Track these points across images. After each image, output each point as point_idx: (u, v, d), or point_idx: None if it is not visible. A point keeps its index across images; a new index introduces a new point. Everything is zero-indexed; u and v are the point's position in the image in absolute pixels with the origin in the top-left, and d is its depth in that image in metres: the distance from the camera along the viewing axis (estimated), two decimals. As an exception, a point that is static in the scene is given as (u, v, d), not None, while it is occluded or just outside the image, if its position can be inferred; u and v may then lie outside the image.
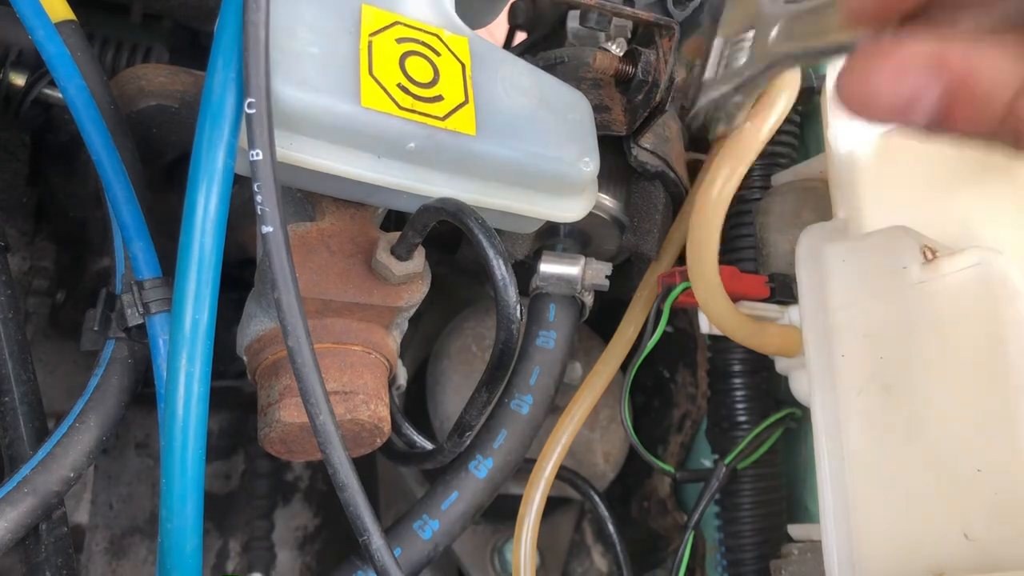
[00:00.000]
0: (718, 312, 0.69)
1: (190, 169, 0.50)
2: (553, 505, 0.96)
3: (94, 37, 0.88)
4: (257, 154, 0.48)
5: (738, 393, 0.81)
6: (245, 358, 0.63)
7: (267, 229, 0.48)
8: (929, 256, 0.60)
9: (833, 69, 0.71)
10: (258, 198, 0.48)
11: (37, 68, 0.78)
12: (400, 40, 0.57)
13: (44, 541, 0.57)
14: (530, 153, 0.59)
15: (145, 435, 0.97)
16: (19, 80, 0.77)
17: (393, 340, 0.64)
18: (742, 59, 0.62)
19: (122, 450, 0.96)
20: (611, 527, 0.87)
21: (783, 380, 0.78)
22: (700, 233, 0.68)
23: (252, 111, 0.48)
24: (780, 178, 0.80)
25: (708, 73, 0.63)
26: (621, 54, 0.74)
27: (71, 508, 0.86)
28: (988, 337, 0.56)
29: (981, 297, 0.57)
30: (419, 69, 0.57)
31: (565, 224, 0.75)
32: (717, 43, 0.63)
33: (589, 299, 0.77)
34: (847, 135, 0.70)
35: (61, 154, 0.87)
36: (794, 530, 0.77)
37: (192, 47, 1.00)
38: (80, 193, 0.85)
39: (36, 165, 0.88)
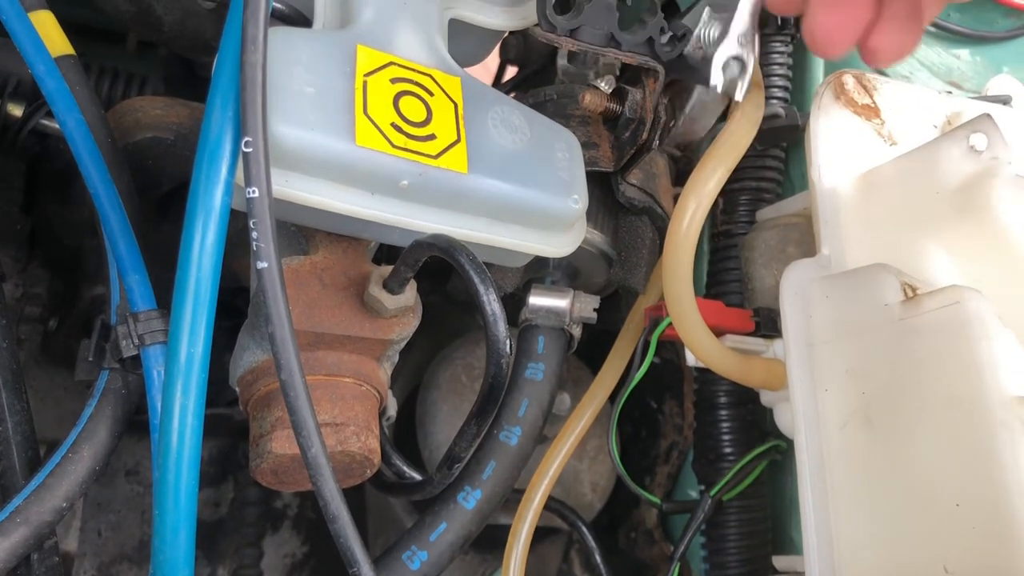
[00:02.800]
0: (700, 346, 0.70)
1: (187, 205, 0.51)
2: (541, 535, 0.97)
3: (90, 67, 0.89)
4: (253, 191, 0.49)
5: (724, 425, 0.82)
6: (238, 389, 0.63)
7: (262, 265, 0.49)
8: (909, 294, 0.61)
9: (816, 109, 0.73)
10: (254, 234, 0.49)
11: (35, 98, 0.79)
12: (394, 80, 0.58)
13: (36, 571, 0.57)
14: (520, 190, 0.60)
15: (135, 462, 0.97)
16: (17, 111, 0.78)
17: (384, 372, 0.65)
18: (716, 27, 0.65)
19: (112, 477, 0.96)
20: (598, 557, 0.87)
21: (768, 412, 0.80)
22: (673, 268, 0.68)
23: (249, 150, 0.49)
24: (765, 214, 0.82)
25: (696, 55, 0.65)
26: (609, 91, 0.76)
27: (60, 535, 0.86)
28: (966, 374, 0.57)
29: (960, 335, 0.58)
30: (412, 108, 0.58)
31: (554, 258, 0.76)
32: (689, 49, 0.66)
33: (577, 331, 0.77)
34: (831, 173, 0.72)
35: (56, 182, 0.88)
36: (779, 561, 0.77)
37: (187, 76, 1.01)
38: (74, 221, 0.86)
39: (31, 193, 0.89)
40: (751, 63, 0.66)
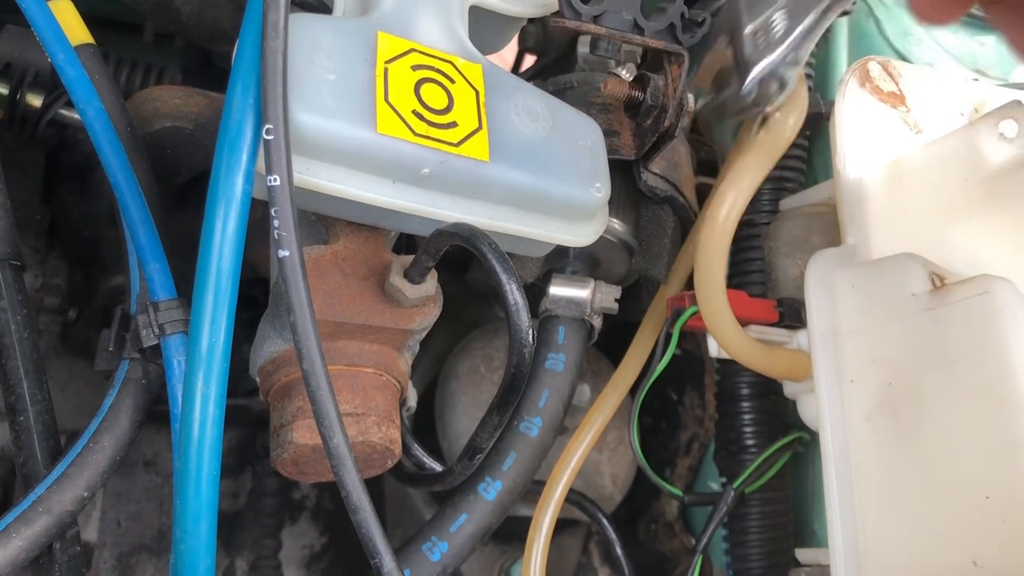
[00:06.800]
0: (727, 337, 0.70)
1: (208, 193, 0.50)
2: (560, 527, 0.96)
3: (108, 57, 0.89)
4: (275, 179, 0.48)
5: (746, 416, 0.81)
6: (258, 379, 0.63)
7: (283, 253, 0.49)
8: (937, 283, 0.60)
9: (841, 97, 0.72)
10: (275, 223, 0.49)
11: (53, 89, 0.79)
12: (415, 67, 0.58)
13: (58, 560, 0.57)
14: (542, 179, 0.60)
15: (154, 453, 0.97)
16: (36, 101, 0.78)
17: (404, 362, 0.65)
18: (780, 28, 0.61)
19: (131, 468, 0.96)
20: (619, 550, 0.87)
21: (791, 404, 0.79)
22: (708, 258, 0.68)
23: (270, 137, 0.48)
24: (788, 203, 0.81)
25: (747, 49, 0.63)
26: (631, 79, 0.75)
27: (80, 525, 0.87)
28: (996, 364, 0.56)
29: (989, 325, 0.57)
30: (434, 96, 0.57)
31: (575, 247, 0.76)
32: (747, 31, 0.63)
33: (598, 322, 0.77)
34: (856, 161, 0.71)
35: (74, 173, 0.88)
36: (802, 554, 0.77)
37: (205, 66, 1.01)
38: (93, 212, 0.86)
39: (50, 184, 0.89)
40: (792, 82, 0.63)
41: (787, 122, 0.69)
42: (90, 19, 0.67)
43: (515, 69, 1.17)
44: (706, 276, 0.67)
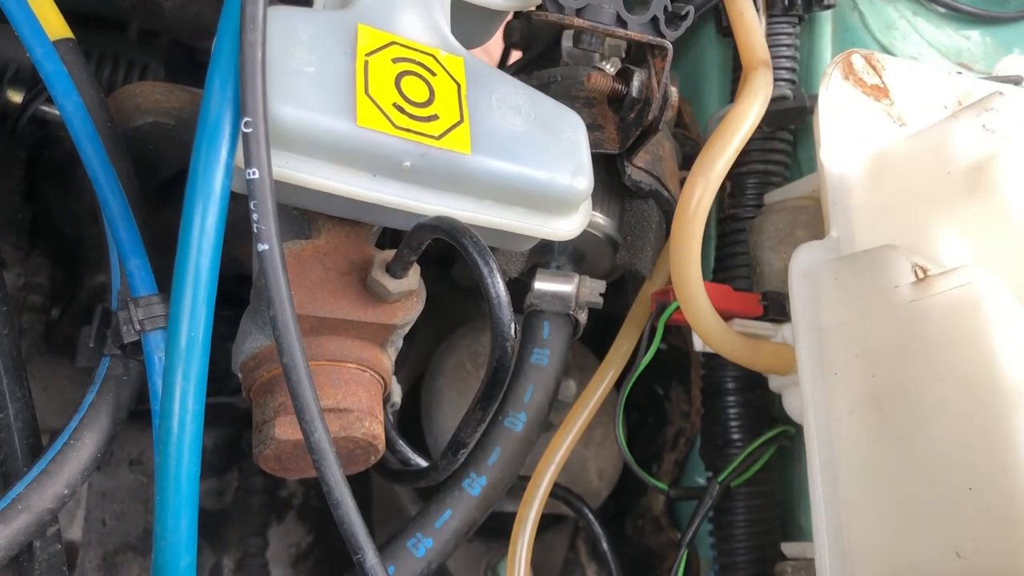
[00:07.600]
0: (708, 330, 0.70)
1: (187, 188, 0.50)
2: (547, 523, 0.96)
3: (91, 54, 0.89)
4: (254, 173, 0.48)
5: (732, 411, 0.81)
6: (240, 375, 0.63)
7: (263, 247, 0.48)
8: (920, 275, 0.60)
9: (824, 90, 0.72)
10: (254, 216, 0.48)
11: (34, 85, 0.78)
12: (396, 60, 0.57)
13: (38, 558, 0.57)
14: (524, 172, 0.59)
15: (139, 452, 0.97)
16: (16, 97, 0.77)
17: (388, 357, 0.64)
18: None
19: (116, 467, 0.95)
20: (605, 545, 0.87)
21: (777, 398, 0.79)
22: (680, 248, 0.68)
23: (249, 130, 0.48)
24: (773, 196, 0.81)
25: None
26: (615, 73, 0.75)
27: (64, 525, 0.86)
28: (978, 356, 0.56)
29: (971, 316, 0.57)
30: (415, 89, 0.57)
31: (559, 242, 0.76)
32: None
33: (583, 316, 0.77)
34: (839, 154, 0.71)
35: (57, 170, 0.87)
36: (788, 548, 0.77)
37: (189, 64, 1.01)
38: (75, 209, 0.85)
39: (32, 181, 0.88)
40: None
41: (750, 109, 0.69)
42: (75, 16, 0.67)
43: (502, 64, 1.17)
44: (681, 268, 0.67)
